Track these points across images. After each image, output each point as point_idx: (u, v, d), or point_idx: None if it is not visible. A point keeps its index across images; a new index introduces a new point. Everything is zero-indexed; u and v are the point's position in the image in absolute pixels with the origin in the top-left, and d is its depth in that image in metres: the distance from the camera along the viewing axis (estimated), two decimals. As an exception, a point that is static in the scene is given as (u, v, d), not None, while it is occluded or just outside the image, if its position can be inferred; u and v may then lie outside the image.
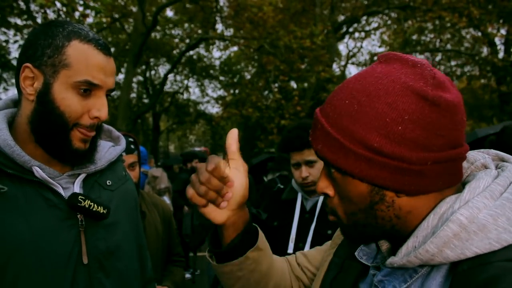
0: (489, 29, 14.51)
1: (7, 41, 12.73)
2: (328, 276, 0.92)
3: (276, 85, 15.87)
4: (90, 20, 8.94)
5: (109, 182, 1.22)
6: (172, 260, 2.27)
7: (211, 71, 23.41)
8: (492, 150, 0.82)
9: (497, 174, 0.73)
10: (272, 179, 4.27)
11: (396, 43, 17.37)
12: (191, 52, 20.10)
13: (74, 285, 1.06)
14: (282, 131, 12.26)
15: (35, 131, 1.06)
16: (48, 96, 1.03)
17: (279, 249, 1.98)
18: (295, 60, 13.25)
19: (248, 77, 21.57)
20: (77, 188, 1.13)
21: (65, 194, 1.09)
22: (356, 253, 0.88)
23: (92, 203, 1.08)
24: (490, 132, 4.12)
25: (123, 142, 1.32)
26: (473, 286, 0.61)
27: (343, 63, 21.68)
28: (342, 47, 46.19)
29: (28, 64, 1.04)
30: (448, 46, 16.71)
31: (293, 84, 15.63)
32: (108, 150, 1.24)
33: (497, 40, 15.89)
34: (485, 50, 16.87)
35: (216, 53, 40.59)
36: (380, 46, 20.17)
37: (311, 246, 2.00)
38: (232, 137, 0.86)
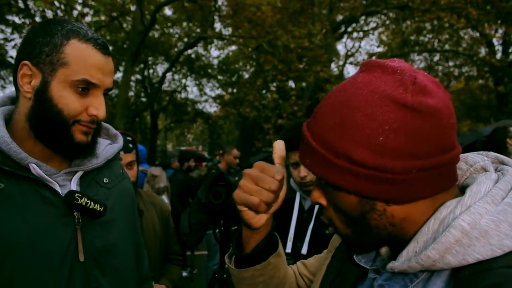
0: (487, 30, 14.51)
1: (5, 39, 12.69)
2: (327, 279, 0.92)
3: (274, 84, 15.86)
4: (88, 18, 8.92)
5: (106, 180, 1.22)
6: (170, 259, 2.27)
7: (209, 70, 23.36)
8: (491, 152, 0.82)
9: (497, 178, 0.73)
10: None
11: (394, 43, 17.40)
12: (190, 51, 20.05)
13: (70, 283, 1.06)
14: (280, 130, 12.28)
15: (35, 127, 1.06)
16: (46, 94, 1.03)
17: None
18: (293, 59, 13.22)
19: (246, 76, 21.56)
20: (74, 185, 1.13)
21: (62, 191, 1.09)
22: (354, 256, 0.88)
23: (89, 201, 1.08)
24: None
25: (120, 140, 1.32)
26: None
27: (341, 63, 21.71)
28: (340, 47, 46.20)
29: (26, 62, 1.04)
30: (446, 47, 16.71)
31: (291, 84, 15.61)
32: (105, 148, 1.24)
33: (495, 41, 15.91)
34: (483, 51, 16.91)
35: (214, 52, 40.74)
36: (378, 46, 20.24)
37: (309, 246, 2.00)
38: (279, 147, 0.90)
